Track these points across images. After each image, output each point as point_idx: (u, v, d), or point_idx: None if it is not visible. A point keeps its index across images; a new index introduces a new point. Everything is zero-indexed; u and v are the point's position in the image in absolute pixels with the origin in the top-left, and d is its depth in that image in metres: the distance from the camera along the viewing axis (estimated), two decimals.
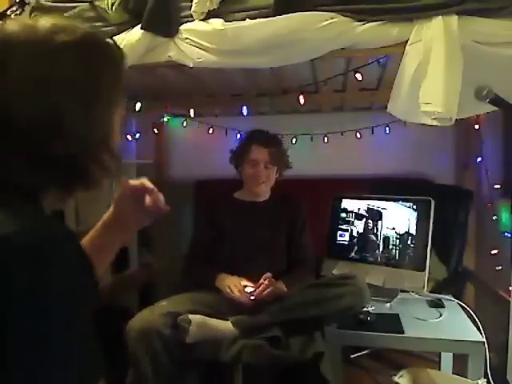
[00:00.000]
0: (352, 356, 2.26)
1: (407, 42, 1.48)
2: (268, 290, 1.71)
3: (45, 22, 0.64)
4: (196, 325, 1.56)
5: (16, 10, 1.76)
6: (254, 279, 1.79)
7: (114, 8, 1.66)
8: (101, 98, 0.64)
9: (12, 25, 0.63)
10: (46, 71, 0.60)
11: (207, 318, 1.61)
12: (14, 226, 0.53)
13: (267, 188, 2.04)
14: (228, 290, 1.76)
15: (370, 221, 2.02)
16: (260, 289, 1.71)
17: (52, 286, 0.51)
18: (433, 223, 1.84)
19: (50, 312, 0.50)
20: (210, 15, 1.59)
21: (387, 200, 2.00)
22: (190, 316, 1.58)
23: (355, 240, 2.04)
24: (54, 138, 0.60)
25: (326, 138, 2.88)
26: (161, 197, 0.89)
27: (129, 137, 2.95)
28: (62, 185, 0.65)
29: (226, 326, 1.63)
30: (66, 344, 0.52)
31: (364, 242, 2.01)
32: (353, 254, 2.02)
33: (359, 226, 2.04)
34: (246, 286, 1.75)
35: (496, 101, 1.25)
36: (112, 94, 0.67)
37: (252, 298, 1.71)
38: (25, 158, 0.60)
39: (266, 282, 1.72)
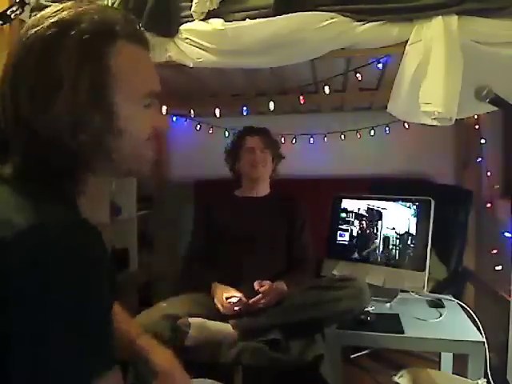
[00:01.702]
0: (352, 356, 2.26)
1: (407, 42, 1.48)
2: (262, 300, 1.71)
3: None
4: (195, 328, 1.56)
5: (16, 10, 1.76)
6: (255, 278, 1.79)
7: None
8: (61, 85, 0.61)
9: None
10: (14, 62, 0.63)
11: (207, 321, 1.61)
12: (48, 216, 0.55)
13: (265, 173, 2.04)
14: (215, 302, 1.75)
15: (369, 221, 2.02)
16: (246, 302, 1.71)
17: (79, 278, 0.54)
18: (433, 223, 1.84)
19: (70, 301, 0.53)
20: (209, 15, 1.59)
21: (387, 200, 2.00)
22: (190, 319, 1.57)
23: (355, 240, 2.04)
24: (25, 138, 0.62)
25: (325, 138, 2.88)
26: None
27: None
28: (66, 180, 0.64)
29: (225, 328, 1.62)
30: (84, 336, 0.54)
31: (364, 242, 2.01)
32: (353, 254, 2.02)
33: (359, 226, 2.04)
34: (230, 297, 1.73)
35: (496, 101, 1.25)
36: (81, 80, 0.61)
37: (236, 308, 1.69)
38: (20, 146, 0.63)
39: (263, 288, 1.72)
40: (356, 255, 2.01)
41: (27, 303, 0.51)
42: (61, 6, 0.64)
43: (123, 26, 0.66)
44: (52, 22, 0.62)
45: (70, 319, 0.53)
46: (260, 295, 1.71)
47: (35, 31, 0.62)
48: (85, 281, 0.54)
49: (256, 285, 1.74)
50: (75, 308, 0.53)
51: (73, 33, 0.61)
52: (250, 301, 1.71)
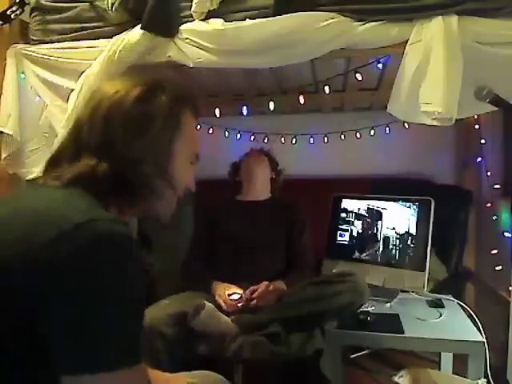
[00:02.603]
0: (352, 356, 2.25)
1: (407, 42, 1.48)
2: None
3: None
4: (207, 312, 1.56)
5: (16, 10, 1.76)
6: (255, 279, 1.79)
7: (113, 8, 1.66)
8: (150, 130, 0.79)
9: None
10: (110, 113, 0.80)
11: (217, 310, 1.62)
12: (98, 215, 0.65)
13: (262, 175, 2.06)
14: (216, 299, 1.76)
15: (369, 221, 2.02)
16: (247, 299, 1.73)
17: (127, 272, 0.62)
18: (433, 223, 1.83)
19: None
20: (209, 15, 1.59)
21: (387, 200, 2.00)
22: (206, 302, 1.58)
23: (355, 240, 2.04)
24: (104, 158, 0.76)
25: (326, 138, 2.88)
26: None
27: None
28: (116, 199, 0.76)
29: (228, 322, 1.63)
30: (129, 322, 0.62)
31: (364, 242, 2.01)
32: (353, 254, 2.02)
33: (359, 226, 2.04)
34: (232, 294, 1.74)
35: (496, 101, 1.25)
36: (163, 129, 0.80)
37: (239, 305, 1.71)
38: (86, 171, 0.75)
39: (256, 293, 1.73)
40: (356, 255, 2.01)
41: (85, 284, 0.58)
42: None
43: (192, 100, 0.88)
44: (141, 81, 0.82)
45: (118, 301, 0.60)
46: (254, 301, 1.72)
47: (124, 86, 0.81)
48: (134, 266, 0.63)
49: (248, 293, 1.74)
50: (125, 290, 0.61)
51: (161, 95, 0.81)
52: (251, 304, 1.71)
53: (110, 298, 0.59)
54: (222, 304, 1.73)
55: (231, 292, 1.75)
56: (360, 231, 2.03)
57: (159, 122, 0.80)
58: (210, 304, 1.59)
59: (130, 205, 0.80)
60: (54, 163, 0.79)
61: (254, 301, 1.72)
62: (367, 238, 2.00)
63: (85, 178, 0.73)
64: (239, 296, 1.73)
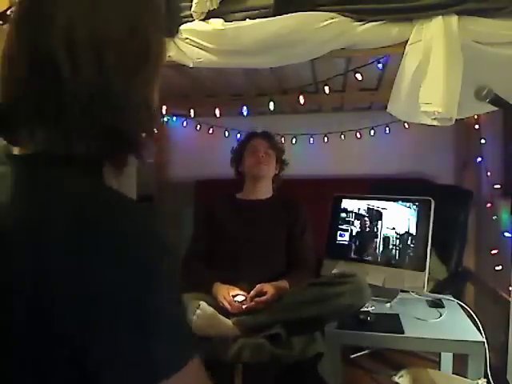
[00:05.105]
0: (352, 356, 2.26)
1: (407, 42, 1.48)
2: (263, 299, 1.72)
3: None
4: (203, 316, 1.55)
5: None
6: (256, 278, 1.79)
7: None
8: (148, 60, 0.58)
9: None
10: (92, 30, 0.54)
11: (217, 313, 1.61)
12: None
13: (268, 172, 2.05)
14: (220, 300, 1.75)
15: (369, 221, 2.02)
16: (252, 303, 1.72)
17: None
18: (433, 223, 1.83)
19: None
20: (209, 15, 1.59)
21: (387, 200, 2.00)
22: (202, 304, 1.57)
23: (355, 240, 2.03)
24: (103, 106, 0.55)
25: (326, 138, 2.88)
26: None
27: None
28: (114, 153, 0.60)
29: (229, 325, 1.62)
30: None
31: (364, 241, 2.01)
32: (353, 254, 2.01)
33: (359, 226, 2.04)
34: (236, 295, 1.74)
35: (496, 101, 1.25)
36: (159, 54, 0.61)
37: (244, 306, 1.71)
38: (74, 127, 0.54)
39: (262, 297, 1.72)
40: (356, 255, 2.00)
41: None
42: None
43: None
44: None
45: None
46: (264, 298, 1.71)
47: None
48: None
49: (253, 293, 1.73)
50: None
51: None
52: (255, 300, 1.71)
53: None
54: (227, 306, 1.72)
55: (235, 293, 1.75)
56: (360, 231, 2.03)
57: (155, 44, 0.59)
58: (208, 307, 1.58)
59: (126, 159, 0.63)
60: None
61: (262, 297, 1.71)
62: (367, 238, 2.00)
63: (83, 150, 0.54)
64: (244, 298, 1.73)
